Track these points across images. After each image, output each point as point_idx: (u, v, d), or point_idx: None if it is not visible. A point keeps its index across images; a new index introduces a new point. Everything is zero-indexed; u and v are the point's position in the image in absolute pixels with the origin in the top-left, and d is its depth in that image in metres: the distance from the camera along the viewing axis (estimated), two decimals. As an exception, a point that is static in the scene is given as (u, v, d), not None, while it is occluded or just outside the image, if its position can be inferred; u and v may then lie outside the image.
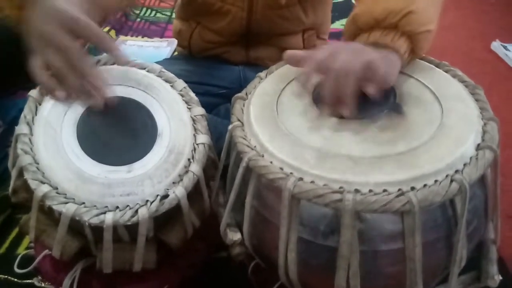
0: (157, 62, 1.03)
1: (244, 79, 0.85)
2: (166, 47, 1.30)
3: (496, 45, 1.49)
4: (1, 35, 0.90)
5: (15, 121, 1.03)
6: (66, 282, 0.55)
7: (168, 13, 1.55)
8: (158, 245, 0.53)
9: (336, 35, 1.49)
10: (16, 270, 0.65)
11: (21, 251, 0.73)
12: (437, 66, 0.52)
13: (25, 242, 0.75)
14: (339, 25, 1.60)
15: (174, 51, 1.29)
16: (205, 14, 0.81)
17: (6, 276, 0.68)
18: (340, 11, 1.60)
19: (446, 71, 0.51)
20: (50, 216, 0.50)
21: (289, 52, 0.52)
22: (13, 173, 0.52)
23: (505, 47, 1.46)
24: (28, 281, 0.65)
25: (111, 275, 0.54)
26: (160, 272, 0.57)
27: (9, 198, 0.78)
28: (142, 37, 1.40)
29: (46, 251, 0.60)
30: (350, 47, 0.48)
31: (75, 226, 0.49)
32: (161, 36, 1.44)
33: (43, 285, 0.64)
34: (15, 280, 0.67)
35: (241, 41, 0.84)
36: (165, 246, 0.54)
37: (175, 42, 1.33)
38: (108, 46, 0.49)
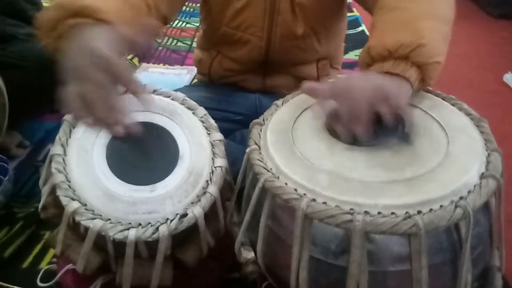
0: (178, 89, 1.09)
1: (260, 106, 0.89)
2: (186, 74, 1.37)
3: (508, 77, 1.51)
4: (37, 63, 0.98)
5: (42, 142, 1.09)
6: (87, 296, 0.58)
7: (189, 42, 1.62)
8: (174, 263, 0.56)
9: (349, 66, 1.53)
10: (39, 284, 0.69)
11: (44, 266, 0.76)
12: (444, 99, 0.55)
13: (48, 257, 0.78)
14: (353, 55, 1.64)
15: (194, 78, 1.35)
16: (225, 44, 0.86)
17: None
18: (354, 42, 1.65)
19: (453, 104, 0.54)
20: (76, 231, 0.54)
21: (307, 83, 0.56)
22: (45, 190, 0.55)
23: None
24: (50, 294, 0.68)
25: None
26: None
27: (35, 215, 0.83)
28: (164, 65, 1.47)
29: (68, 266, 0.63)
30: (363, 76, 0.52)
31: (99, 242, 0.51)
32: (182, 64, 1.50)
33: (64, 298, 0.66)
34: (38, 293, 0.70)
35: (258, 70, 0.88)
36: (181, 264, 0.56)
37: (194, 70, 1.39)
38: (134, 89, 0.52)
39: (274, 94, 0.90)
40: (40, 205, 0.56)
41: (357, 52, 1.67)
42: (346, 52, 1.57)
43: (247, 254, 0.53)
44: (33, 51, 0.99)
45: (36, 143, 1.06)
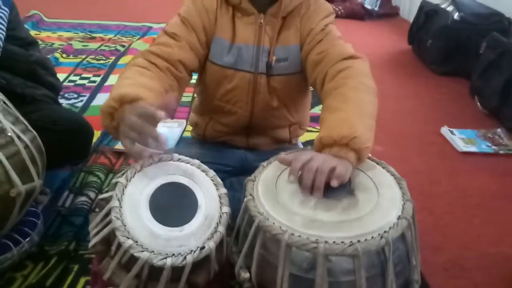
0: (179, 144, 1.30)
1: (245, 159, 1.09)
2: (177, 127, 1.56)
3: (444, 130, 1.75)
4: (67, 127, 1.13)
5: (60, 189, 1.23)
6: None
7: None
8: (189, 284, 0.70)
9: (315, 119, 1.75)
10: None
11: None
12: (378, 163, 0.79)
13: (79, 286, 0.91)
14: (318, 109, 1.84)
15: (183, 131, 1.55)
16: (217, 112, 1.07)
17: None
18: (318, 98, 1.83)
19: (383, 167, 0.78)
20: (120, 262, 0.68)
21: (281, 156, 0.77)
22: (96, 232, 0.71)
23: (451, 132, 1.73)
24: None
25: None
26: None
27: (65, 252, 0.98)
28: None
29: None
30: (321, 156, 0.74)
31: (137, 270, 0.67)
32: (172, 117, 1.68)
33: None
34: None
35: (243, 132, 1.09)
36: (193, 285, 0.71)
37: (184, 123, 1.59)
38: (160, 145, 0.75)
39: (256, 151, 1.11)
40: (90, 243, 0.72)
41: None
42: (312, 107, 1.82)
43: (245, 274, 0.71)
44: (62, 116, 1.15)
45: (55, 191, 1.19)
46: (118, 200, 0.70)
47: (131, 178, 0.74)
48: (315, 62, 0.94)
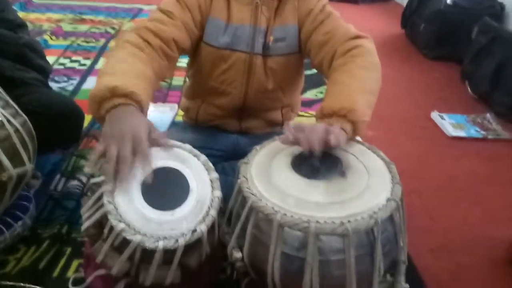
0: (170, 128, 1.30)
1: (237, 144, 1.10)
2: (169, 111, 1.56)
3: (434, 115, 1.77)
4: (57, 112, 1.12)
5: (51, 173, 1.23)
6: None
7: (169, 81, 1.84)
8: (181, 266, 0.71)
9: (308, 104, 1.75)
10: (71, 287, 0.81)
11: (70, 274, 0.90)
12: (369, 148, 0.81)
13: (72, 268, 0.92)
14: (310, 94, 1.87)
15: (175, 115, 1.55)
16: (212, 94, 1.07)
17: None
18: (310, 83, 1.85)
19: (374, 152, 0.80)
20: (112, 245, 0.69)
21: (282, 138, 0.78)
22: (88, 216, 0.71)
23: (441, 117, 1.75)
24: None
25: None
26: (181, 286, 0.73)
27: (58, 235, 0.98)
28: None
29: (97, 272, 0.75)
30: (320, 124, 0.76)
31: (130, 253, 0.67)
32: (164, 101, 1.70)
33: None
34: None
35: (236, 115, 1.10)
36: (185, 267, 0.72)
37: (176, 107, 1.59)
38: (162, 144, 0.75)
39: (248, 135, 1.12)
40: (83, 227, 0.72)
41: (314, 91, 1.90)
42: (304, 91, 1.84)
43: (237, 254, 0.73)
44: (52, 100, 1.14)
45: (46, 175, 1.19)
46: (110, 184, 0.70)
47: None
48: (321, 43, 0.95)
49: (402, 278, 0.75)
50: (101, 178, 0.72)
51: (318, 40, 0.96)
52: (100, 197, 0.71)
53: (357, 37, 0.92)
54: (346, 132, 0.76)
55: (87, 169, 0.73)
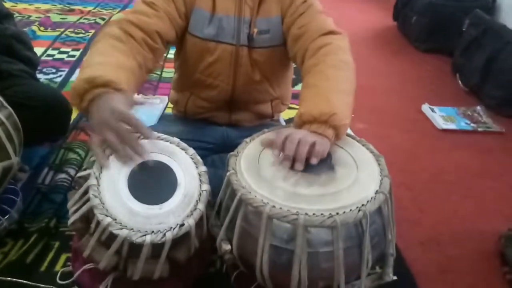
0: (160, 121, 1.28)
1: (227, 136, 1.08)
2: (159, 104, 1.54)
3: (425, 108, 1.77)
4: (43, 103, 1.09)
5: (39, 166, 1.22)
6: (101, 288, 0.73)
7: (159, 73, 1.82)
8: (169, 260, 0.71)
9: (298, 96, 1.77)
10: (59, 281, 0.81)
11: (58, 268, 0.89)
12: (358, 141, 0.81)
13: (60, 262, 0.92)
14: (301, 87, 1.89)
15: (165, 108, 1.53)
16: (199, 87, 1.05)
17: (51, 286, 0.84)
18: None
19: (363, 145, 0.80)
20: (100, 240, 0.69)
21: (263, 137, 0.77)
22: (74, 210, 0.71)
23: (432, 109, 1.75)
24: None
25: (135, 282, 0.70)
26: (170, 280, 0.75)
27: (45, 229, 0.97)
28: (138, 94, 1.62)
29: (85, 266, 0.76)
30: (301, 131, 0.75)
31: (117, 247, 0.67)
32: (154, 93, 1.68)
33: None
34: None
35: (225, 107, 1.08)
36: (174, 261, 0.72)
37: (165, 99, 1.57)
38: (146, 135, 0.74)
39: (238, 127, 1.11)
40: (70, 221, 0.72)
41: (305, 84, 1.92)
42: (296, 84, 1.83)
43: (226, 247, 0.73)
44: (38, 92, 1.12)
45: (34, 168, 1.18)
46: (96, 178, 0.70)
47: (109, 155, 0.73)
48: (296, 36, 0.94)
49: (390, 270, 0.75)
50: (87, 171, 0.72)
51: (293, 34, 0.95)
52: (86, 191, 0.70)
53: (330, 32, 0.90)
54: (329, 140, 0.75)
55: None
